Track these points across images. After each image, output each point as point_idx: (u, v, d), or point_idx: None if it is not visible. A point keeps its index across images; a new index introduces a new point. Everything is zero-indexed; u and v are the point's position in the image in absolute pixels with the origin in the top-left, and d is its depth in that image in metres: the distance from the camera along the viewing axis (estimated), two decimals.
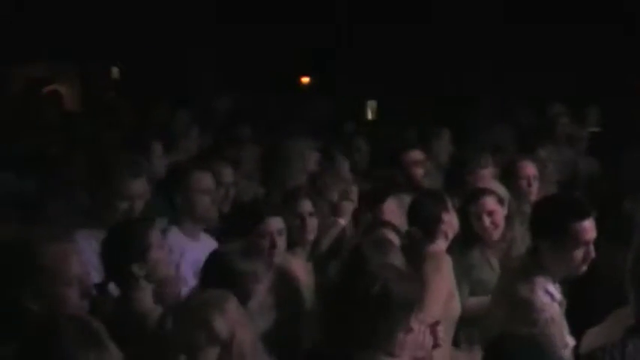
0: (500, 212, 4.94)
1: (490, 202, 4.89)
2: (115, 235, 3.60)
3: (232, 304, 2.90)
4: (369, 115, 11.64)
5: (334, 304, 3.05)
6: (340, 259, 4.45)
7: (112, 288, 3.66)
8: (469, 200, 4.95)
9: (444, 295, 4.21)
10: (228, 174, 5.17)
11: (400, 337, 2.89)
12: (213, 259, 3.63)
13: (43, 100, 9.24)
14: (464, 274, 4.71)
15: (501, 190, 5.22)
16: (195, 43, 12.05)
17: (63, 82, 11.54)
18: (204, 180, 4.54)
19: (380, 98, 11.58)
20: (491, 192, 4.99)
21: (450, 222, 4.51)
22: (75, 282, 2.99)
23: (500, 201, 4.99)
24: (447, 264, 4.37)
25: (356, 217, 5.23)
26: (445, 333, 4.16)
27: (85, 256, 3.36)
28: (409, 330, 2.91)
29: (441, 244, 4.47)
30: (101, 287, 3.66)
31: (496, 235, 4.91)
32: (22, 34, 10.93)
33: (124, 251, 3.49)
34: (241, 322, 2.87)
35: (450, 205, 4.56)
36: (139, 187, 4.35)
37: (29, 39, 10.94)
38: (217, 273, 3.47)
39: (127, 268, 3.48)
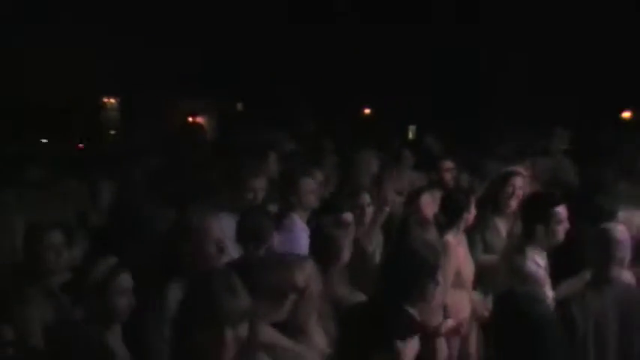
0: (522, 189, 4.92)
1: (518, 180, 4.94)
2: (253, 214, 3.85)
3: (309, 265, 2.87)
4: (410, 136, 11.83)
5: (385, 267, 3.14)
6: (388, 235, 4.57)
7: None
8: (503, 178, 4.97)
9: (452, 275, 4.15)
10: (320, 175, 5.24)
11: (431, 288, 2.98)
12: (316, 227, 3.80)
13: (193, 129, 9.51)
14: (480, 233, 4.74)
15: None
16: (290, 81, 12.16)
17: (204, 114, 11.80)
18: (310, 183, 4.64)
19: (418, 122, 11.75)
20: (519, 173, 5.04)
21: (468, 219, 4.44)
22: (217, 241, 3.27)
23: (524, 180, 5.01)
24: (455, 250, 4.25)
25: None
26: (465, 293, 4.25)
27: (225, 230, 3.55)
28: (437, 283, 2.99)
29: (455, 232, 4.39)
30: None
31: (514, 205, 4.84)
32: (175, 74, 11.09)
33: (262, 224, 3.74)
34: (314, 278, 2.83)
35: (472, 204, 4.46)
36: (261, 183, 4.53)
37: (182, 77, 11.07)
38: (318, 237, 3.62)
39: (260, 238, 3.73)
